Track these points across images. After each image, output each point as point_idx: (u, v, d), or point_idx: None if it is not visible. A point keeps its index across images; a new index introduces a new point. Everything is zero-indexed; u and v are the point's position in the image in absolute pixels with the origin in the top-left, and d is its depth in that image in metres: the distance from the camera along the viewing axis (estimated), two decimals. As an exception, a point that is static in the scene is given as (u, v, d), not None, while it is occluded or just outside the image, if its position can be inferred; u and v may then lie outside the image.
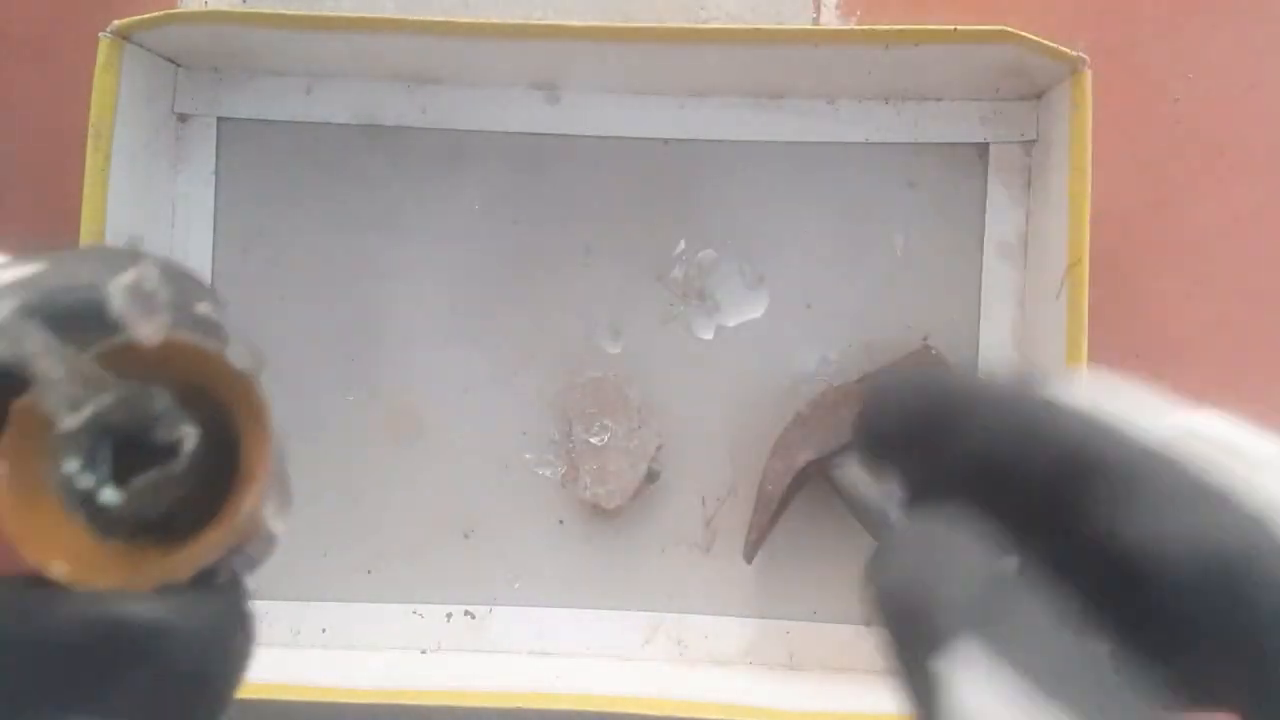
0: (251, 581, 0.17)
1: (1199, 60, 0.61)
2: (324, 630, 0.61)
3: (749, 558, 0.59)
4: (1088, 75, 0.53)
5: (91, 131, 0.54)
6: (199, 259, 0.62)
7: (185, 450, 0.15)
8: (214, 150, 0.62)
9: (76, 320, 0.15)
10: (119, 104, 0.55)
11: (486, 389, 0.62)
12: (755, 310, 0.62)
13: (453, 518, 0.62)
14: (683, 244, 0.62)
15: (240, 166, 0.62)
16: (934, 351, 0.58)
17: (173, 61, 0.61)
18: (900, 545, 0.17)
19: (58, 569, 0.14)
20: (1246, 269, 0.61)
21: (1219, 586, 0.14)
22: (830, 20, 0.62)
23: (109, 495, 0.15)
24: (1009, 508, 0.17)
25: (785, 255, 0.61)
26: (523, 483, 0.62)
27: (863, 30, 0.55)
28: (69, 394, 0.14)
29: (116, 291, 0.15)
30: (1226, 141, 0.61)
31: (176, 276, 0.16)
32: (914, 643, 0.15)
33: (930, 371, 0.19)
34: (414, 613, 0.61)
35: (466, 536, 0.62)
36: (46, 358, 0.14)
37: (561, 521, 0.62)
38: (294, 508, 0.18)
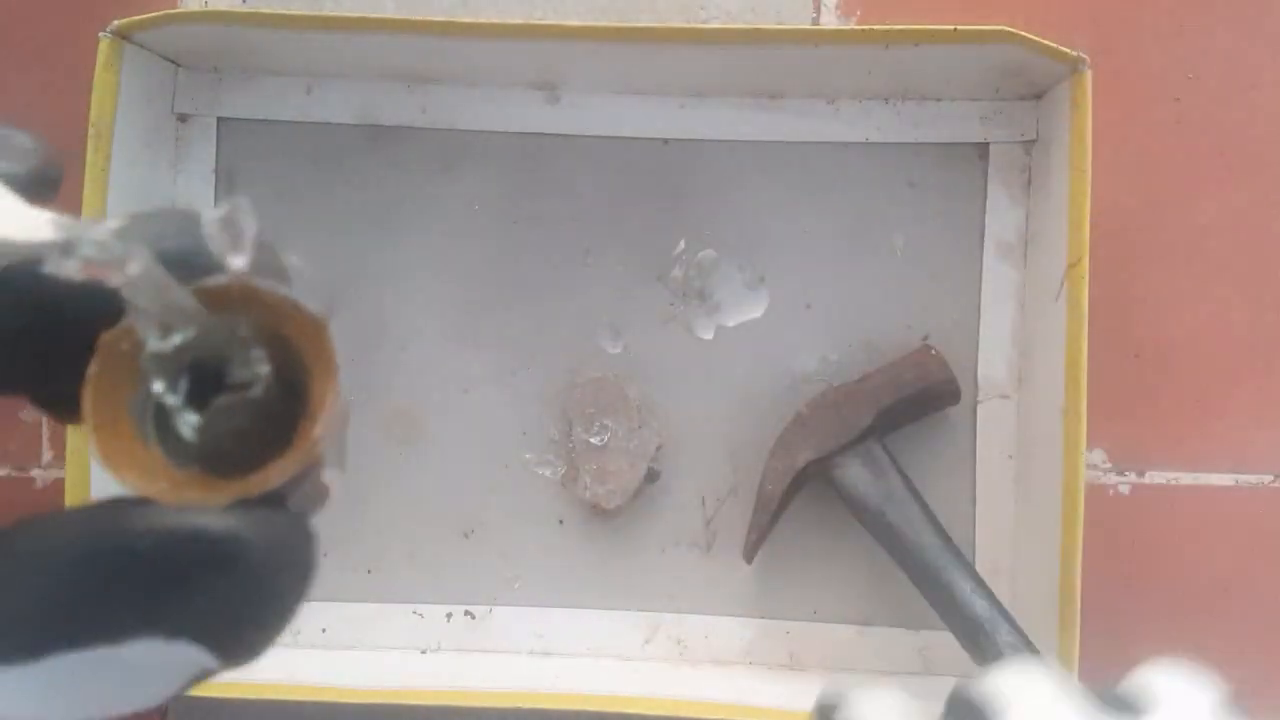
0: None
1: (1199, 60, 0.61)
2: (324, 630, 0.61)
3: (749, 558, 0.59)
4: (1088, 75, 0.53)
5: (91, 131, 0.54)
6: (199, 259, 0.62)
7: (260, 379, 0.16)
8: (214, 150, 0.62)
9: (171, 252, 0.16)
10: (119, 104, 0.55)
11: (486, 389, 0.62)
12: (755, 310, 0.62)
13: (453, 518, 0.62)
14: (683, 244, 0.62)
15: (240, 166, 0.62)
16: (934, 351, 0.58)
17: (173, 61, 0.61)
18: None
19: (141, 486, 0.15)
20: (1246, 269, 0.61)
21: None
22: (830, 20, 0.62)
23: (188, 419, 0.16)
24: None
25: (785, 255, 0.61)
26: (523, 483, 0.62)
27: (863, 30, 0.55)
28: (161, 321, 0.15)
29: (210, 222, 0.15)
30: (1227, 141, 0.61)
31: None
32: None
33: None
34: (414, 613, 0.61)
35: (466, 536, 0.62)
36: (147, 282, 0.15)
37: (561, 521, 0.62)
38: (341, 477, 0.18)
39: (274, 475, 0.16)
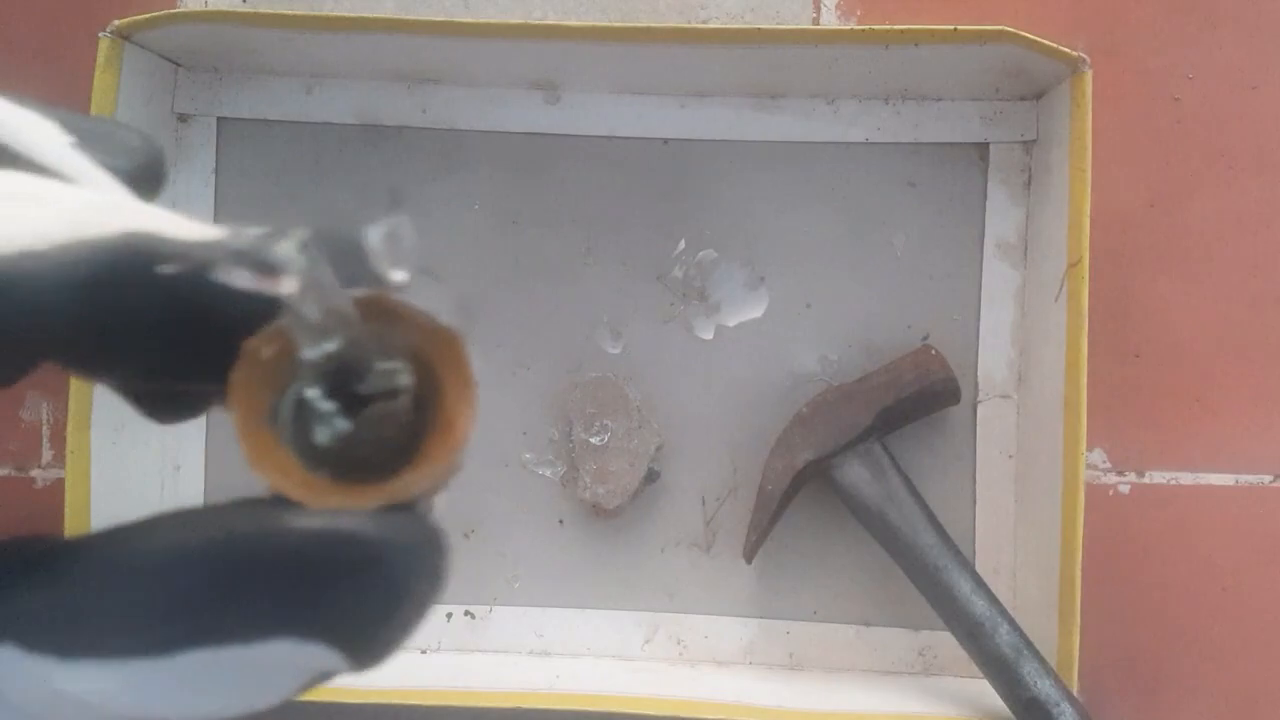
0: None
1: (1199, 60, 0.61)
2: (324, 630, 0.61)
3: (749, 558, 0.59)
4: (1088, 75, 0.53)
5: (91, 131, 0.54)
6: (199, 259, 0.62)
7: (406, 390, 0.16)
8: (214, 150, 0.62)
9: (340, 261, 0.16)
10: (119, 104, 0.55)
11: (486, 389, 0.62)
12: (755, 310, 0.62)
13: (453, 518, 0.62)
14: (683, 244, 0.62)
15: (240, 166, 0.62)
16: (934, 351, 0.58)
17: (173, 61, 0.61)
18: None
19: (286, 489, 0.15)
20: (1246, 269, 0.61)
21: None
22: (830, 20, 0.62)
23: (337, 425, 0.16)
24: None
25: (785, 255, 0.61)
26: (523, 483, 0.62)
27: (863, 30, 0.55)
28: (319, 330, 0.16)
29: (376, 237, 0.16)
30: (1227, 141, 0.61)
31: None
32: None
33: None
34: (414, 613, 0.61)
35: (466, 536, 0.62)
36: (316, 294, 0.15)
37: (561, 521, 0.62)
38: None
39: (418, 482, 0.16)
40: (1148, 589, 0.60)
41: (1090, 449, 0.60)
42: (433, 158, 0.62)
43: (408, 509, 0.16)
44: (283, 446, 0.16)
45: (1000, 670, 0.54)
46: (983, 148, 0.61)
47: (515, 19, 0.60)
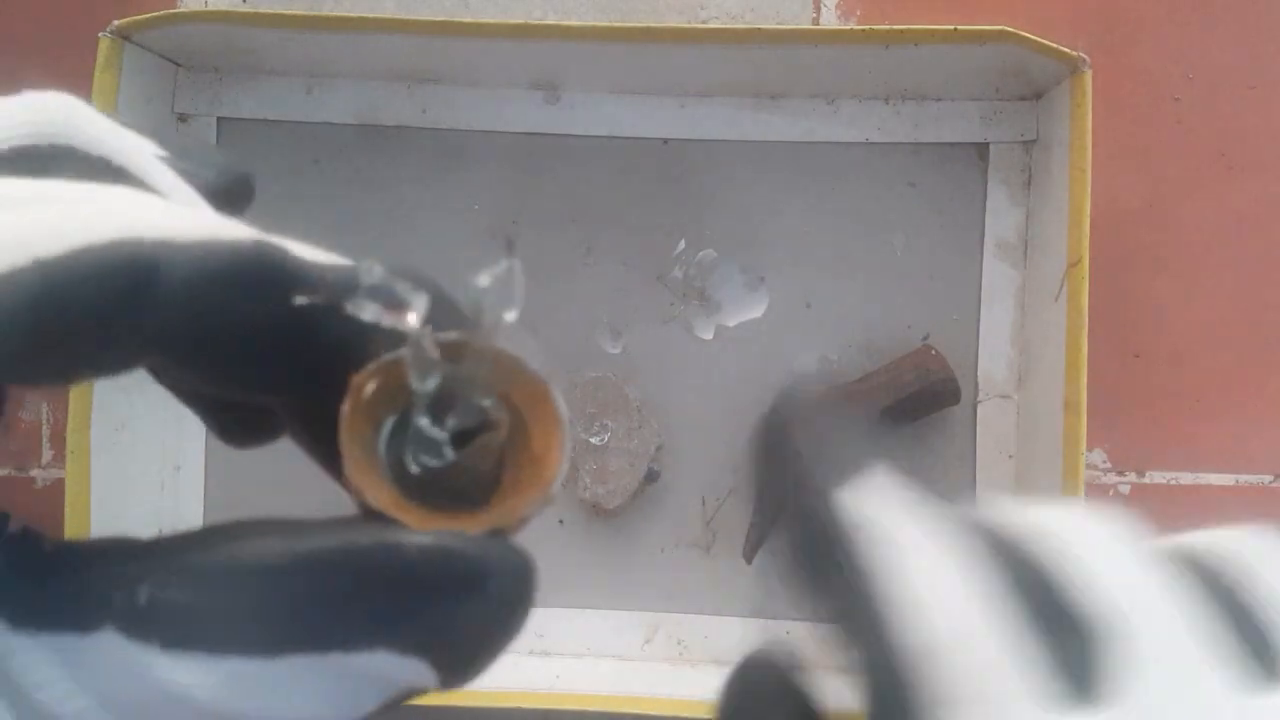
0: None
1: (1199, 60, 0.61)
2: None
3: (749, 558, 0.59)
4: (1088, 75, 0.53)
5: (91, 131, 0.54)
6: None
7: (502, 426, 0.17)
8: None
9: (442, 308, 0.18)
10: (119, 104, 0.55)
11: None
12: (755, 310, 0.62)
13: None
14: (683, 244, 0.62)
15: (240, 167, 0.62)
16: (934, 351, 0.58)
17: (173, 61, 0.61)
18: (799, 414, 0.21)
19: (397, 513, 0.16)
20: (1246, 269, 0.61)
21: None
22: (830, 20, 0.62)
23: (445, 454, 0.17)
24: None
25: (785, 255, 0.61)
26: (523, 483, 0.62)
27: (863, 30, 0.55)
28: (431, 363, 0.17)
29: (487, 280, 0.17)
30: (1226, 141, 0.61)
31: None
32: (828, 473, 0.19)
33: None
34: (414, 613, 0.61)
35: (466, 536, 0.62)
36: (432, 328, 0.17)
37: (561, 521, 0.62)
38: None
39: (515, 511, 0.17)
40: (1148, 589, 0.60)
41: (1090, 449, 0.60)
42: (433, 158, 0.62)
43: (502, 537, 0.17)
44: (383, 479, 0.17)
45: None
46: (983, 148, 0.61)
47: (515, 19, 0.60)
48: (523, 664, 0.60)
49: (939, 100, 0.61)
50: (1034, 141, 0.60)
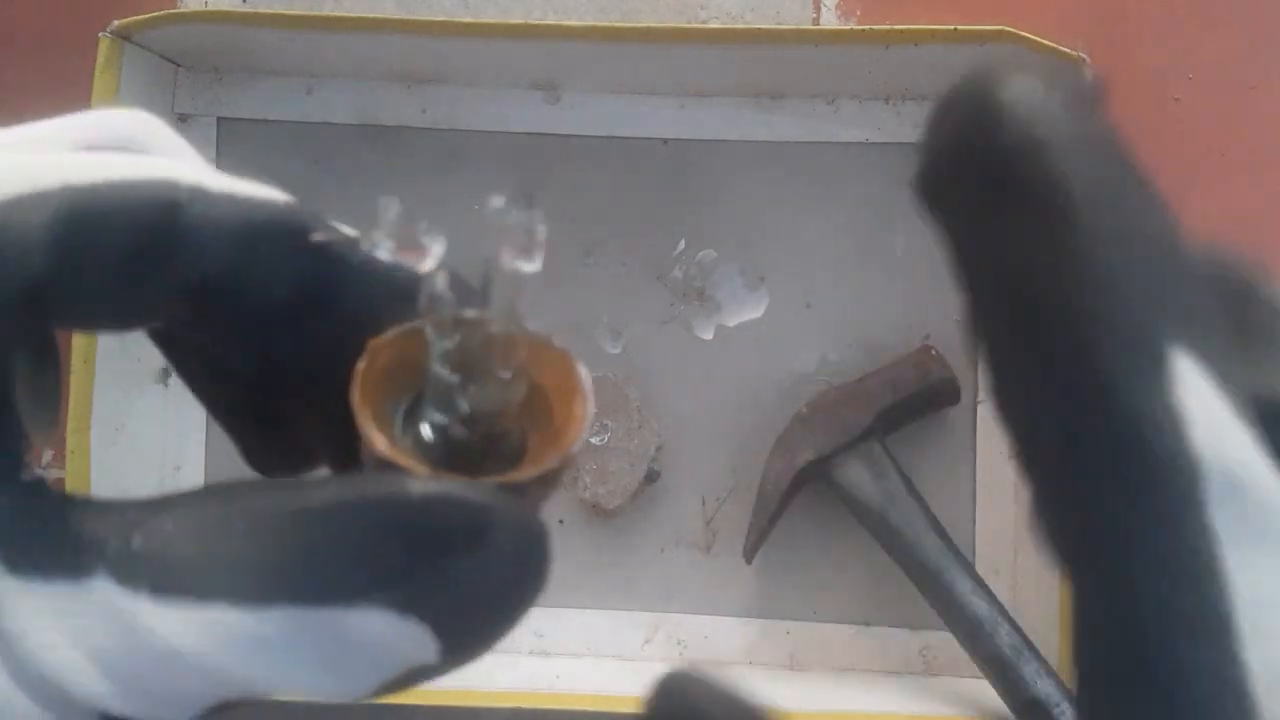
0: None
1: (1199, 60, 0.61)
2: (324, 630, 0.61)
3: (749, 558, 0.59)
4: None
5: (91, 131, 0.54)
6: (199, 259, 0.62)
7: (519, 395, 0.17)
8: (214, 150, 0.62)
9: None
10: (119, 104, 0.55)
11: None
12: (755, 310, 0.62)
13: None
14: (683, 244, 0.62)
15: (240, 166, 0.62)
16: (934, 351, 0.58)
17: (173, 61, 0.61)
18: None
19: (406, 461, 0.15)
20: (1246, 269, 0.61)
21: None
22: (830, 20, 0.62)
23: (462, 408, 0.16)
24: None
25: (785, 255, 0.61)
26: (523, 483, 0.62)
27: (863, 30, 0.55)
28: (449, 322, 0.16)
29: (504, 264, 0.16)
30: (1226, 141, 0.61)
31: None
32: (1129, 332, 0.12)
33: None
34: (414, 613, 0.61)
35: (466, 536, 0.62)
36: (449, 277, 0.16)
37: (561, 521, 0.62)
38: None
39: (528, 475, 0.16)
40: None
41: (1090, 449, 0.60)
42: (433, 158, 0.62)
43: (519, 494, 0.16)
44: (398, 445, 0.16)
45: (1000, 670, 0.54)
46: (983, 148, 0.61)
47: (515, 19, 0.60)
48: (523, 664, 0.60)
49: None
50: (1034, 141, 0.60)
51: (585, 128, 0.62)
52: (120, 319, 0.16)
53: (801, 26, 0.61)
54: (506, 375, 0.17)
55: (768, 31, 0.55)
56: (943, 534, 0.56)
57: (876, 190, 0.61)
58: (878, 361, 0.60)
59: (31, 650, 0.14)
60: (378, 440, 0.15)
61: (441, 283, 0.16)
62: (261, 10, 0.57)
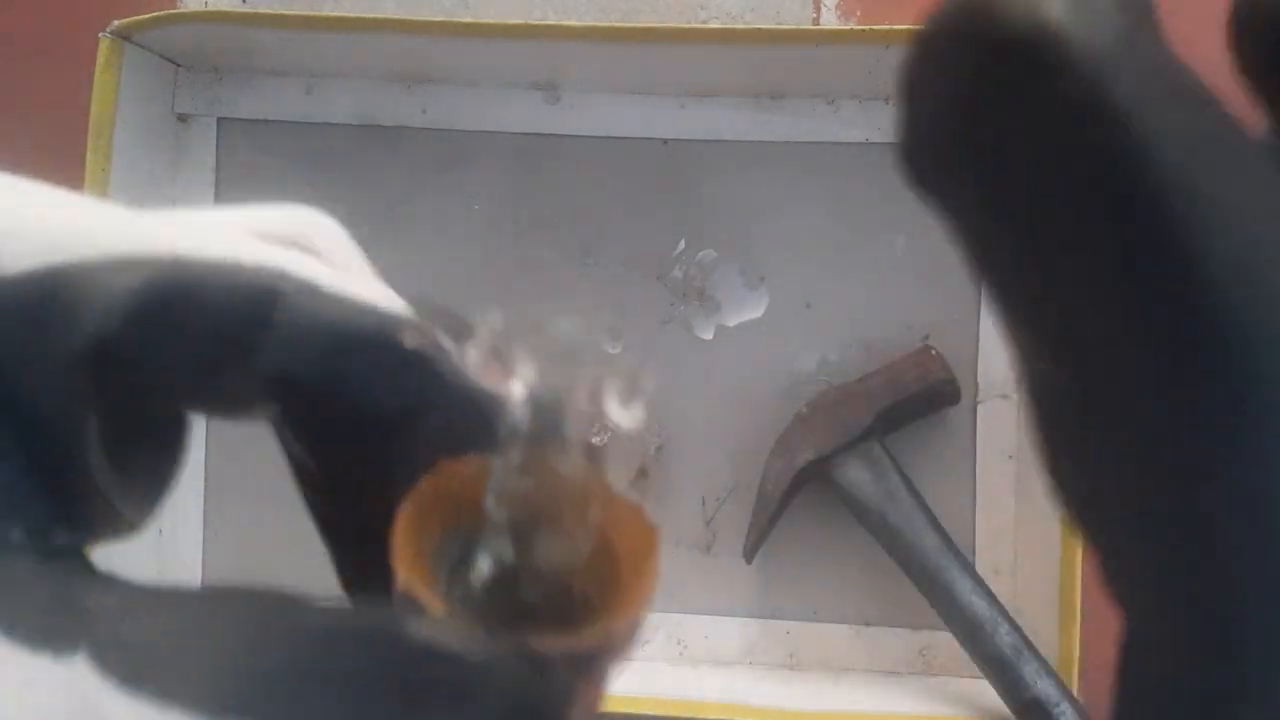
0: None
1: (1199, 60, 0.61)
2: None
3: (749, 558, 0.59)
4: (1088, 75, 0.53)
5: (91, 131, 0.54)
6: (199, 259, 0.62)
7: (587, 544, 0.15)
8: (214, 150, 0.62)
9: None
10: (119, 104, 0.55)
11: (486, 389, 0.62)
12: (755, 310, 0.62)
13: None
14: (683, 244, 0.62)
15: (240, 166, 0.62)
16: (934, 351, 0.58)
17: (173, 61, 0.61)
18: None
19: (423, 595, 0.14)
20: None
21: None
22: (830, 20, 0.62)
23: (505, 559, 0.15)
24: None
25: (785, 255, 0.61)
26: (523, 483, 0.62)
27: (863, 30, 0.55)
28: (523, 463, 0.15)
29: (612, 395, 0.15)
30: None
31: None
32: None
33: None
34: (414, 613, 0.61)
35: (466, 536, 0.62)
36: (544, 414, 0.15)
37: (561, 521, 0.62)
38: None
39: (561, 645, 0.14)
40: (1148, 589, 0.60)
41: (1090, 449, 0.60)
42: (433, 158, 0.62)
43: (538, 664, 0.14)
44: (434, 588, 0.15)
45: (1000, 670, 0.54)
46: (983, 148, 0.61)
47: (515, 19, 0.60)
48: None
49: (939, 100, 0.60)
50: (1034, 141, 0.60)
51: (585, 128, 0.62)
52: (201, 402, 0.15)
53: (801, 26, 0.61)
54: (574, 530, 0.15)
55: (768, 31, 0.55)
56: (943, 534, 0.56)
57: (876, 190, 0.61)
58: (878, 361, 0.60)
59: None
60: (399, 569, 0.14)
61: (524, 414, 0.15)
62: (261, 10, 0.57)
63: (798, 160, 0.61)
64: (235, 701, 0.13)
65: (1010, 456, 0.60)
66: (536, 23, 0.55)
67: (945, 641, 0.58)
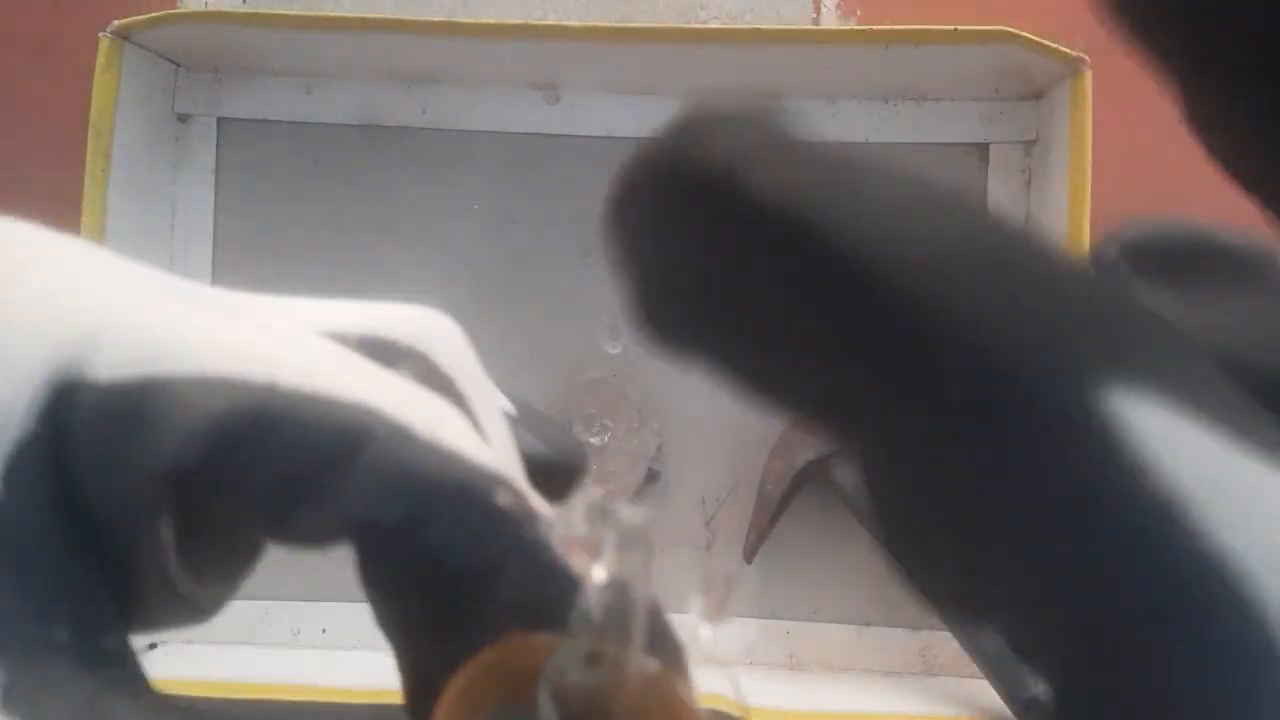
0: None
1: (1199, 60, 0.61)
2: (324, 630, 0.61)
3: (749, 558, 0.59)
4: (1088, 75, 0.53)
5: (91, 131, 0.54)
6: (199, 259, 0.62)
7: None
8: (214, 150, 0.62)
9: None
10: (119, 104, 0.55)
11: (486, 389, 0.62)
12: (755, 310, 0.62)
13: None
14: (683, 244, 0.62)
15: (240, 166, 0.62)
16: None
17: (173, 61, 0.61)
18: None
19: None
20: (1246, 269, 0.61)
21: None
22: (830, 20, 0.62)
23: None
24: None
25: (785, 255, 0.61)
26: (523, 483, 0.62)
27: (863, 30, 0.55)
28: (594, 655, 0.14)
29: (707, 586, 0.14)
30: (1226, 141, 0.61)
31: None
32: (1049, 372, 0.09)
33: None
34: (414, 613, 0.61)
35: (466, 536, 0.62)
36: (616, 600, 0.14)
37: (561, 521, 0.62)
38: None
39: None
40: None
41: (1090, 449, 0.60)
42: (433, 158, 0.62)
43: None
44: None
45: (1000, 670, 0.54)
46: (983, 148, 0.61)
47: (515, 19, 0.60)
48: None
49: (939, 100, 0.61)
50: (1034, 141, 0.60)
51: (585, 128, 0.62)
52: (275, 535, 0.15)
53: (801, 26, 0.61)
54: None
55: (768, 31, 0.55)
56: (943, 534, 0.56)
57: (876, 190, 0.61)
58: (878, 361, 0.60)
59: None
60: None
61: (600, 602, 0.14)
62: (261, 10, 0.57)
63: (798, 160, 0.61)
64: None
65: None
66: (536, 23, 0.55)
67: (945, 641, 0.58)
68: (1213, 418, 0.09)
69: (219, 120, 0.62)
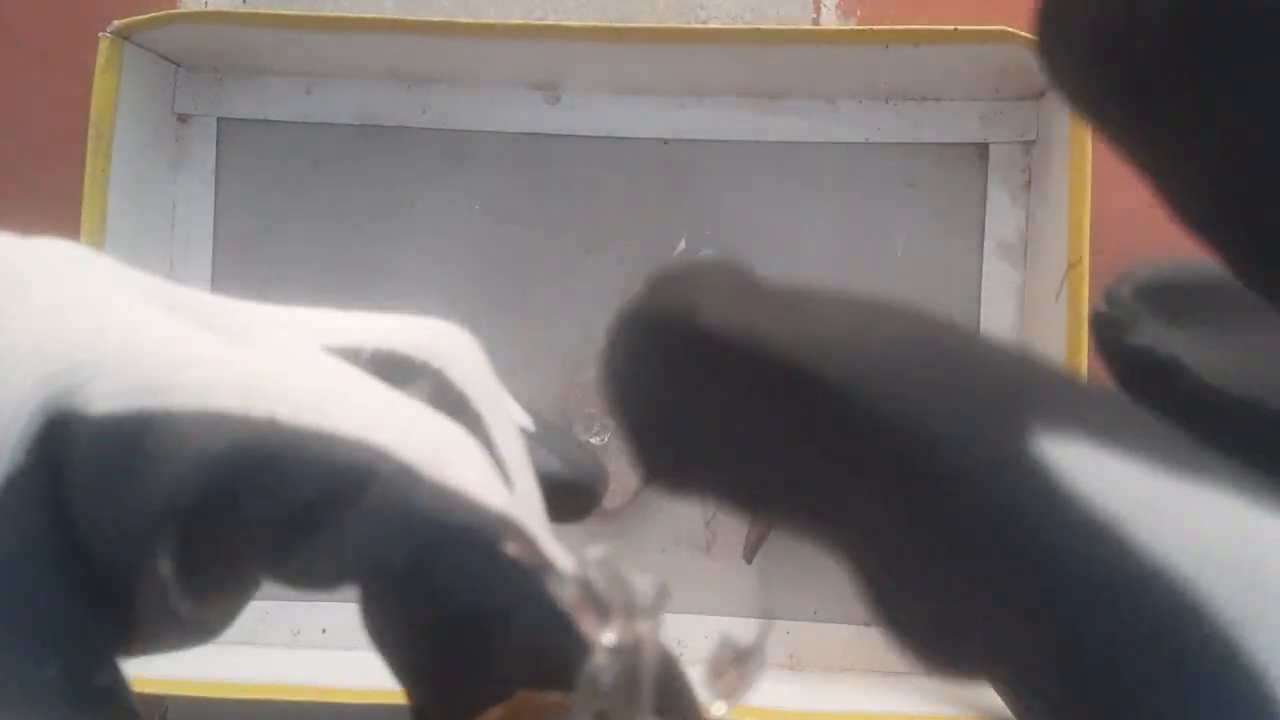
0: None
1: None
2: (324, 630, 0.61)
3: (749, 558, 0.59)
4: (1088, 75, 0.53)
5: (91, 131, 0.54)
6: (199, 259, 0.62)
7: None
8: (214, 150, 0.62)
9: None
10: (119, 104, 0.55)
11: (486, 389, 0.62)
12: (755, 310, 0.62)
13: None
14: (683, 244, 0.62)
15: (240, 167, 0.62)
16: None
17: (173, 61, 0.61)
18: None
19: None
20: (1246, 269, 0.61)
21: None
22: (830, 20, 0.62)
23: None
24: None
25: (785, 255, 0.61)
26: (523, 483, 0.62)
27: (863, 30, 0.55)
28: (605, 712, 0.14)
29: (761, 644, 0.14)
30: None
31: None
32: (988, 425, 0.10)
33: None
34: (414, 613, 0.61)
35: (466, 536, 0.62)
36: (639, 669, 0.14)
37: (561, 521, 0.62)
38: None
39: None
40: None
41: (1090, 449, 0.60)
42: (433, 158, 0.62)
43: None
44: None
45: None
46: (983, 148, 0.61)
47: (515, 19, 0.60)
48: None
49: (939, 100, 0.61)
50: (1034, 141, 0.60)
51: (585, 128, 0.62)
52: (275, 575, 0.15)
53: (801, 26, 0.61)
54: None
55: (768, 31, 0.55)
56: (943, 534, 0.56)
57: (876, 190, 0.61)
58: (878, 361, 0.60)
59: None
60: None
61: (607, 668, 0.14)
62: (261, 10, 0.57)
63: (798, 160, 0.61)
64: None
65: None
66: (536, 23, 0.55)
67: (945, 641, 0.58)
68: (1134, 448, 0.10)
69: (219, 120, 0.62)
